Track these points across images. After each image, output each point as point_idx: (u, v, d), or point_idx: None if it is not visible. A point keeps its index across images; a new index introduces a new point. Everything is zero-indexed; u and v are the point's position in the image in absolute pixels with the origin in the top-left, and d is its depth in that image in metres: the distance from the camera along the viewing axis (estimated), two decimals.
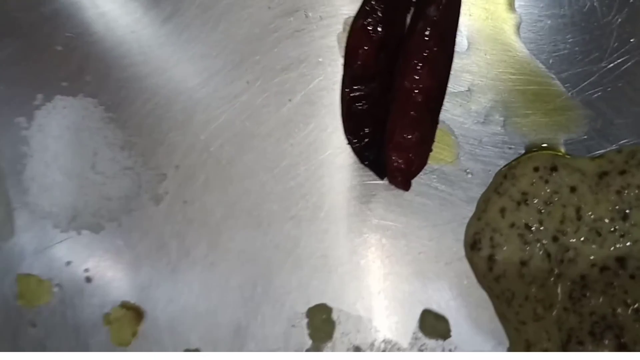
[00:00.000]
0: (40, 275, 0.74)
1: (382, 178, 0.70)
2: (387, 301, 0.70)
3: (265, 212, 0.71)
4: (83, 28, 0.73)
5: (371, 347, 0.70)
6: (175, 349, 0.72)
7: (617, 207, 0.64)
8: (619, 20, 0.66)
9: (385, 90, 0.68)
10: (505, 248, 0.65)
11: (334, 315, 0.70)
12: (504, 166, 0.68)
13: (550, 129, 0.68)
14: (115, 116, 0.73)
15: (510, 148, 0.68)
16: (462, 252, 0.68)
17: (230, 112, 0.72)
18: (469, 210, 0.68)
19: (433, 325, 0.69)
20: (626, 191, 0.64)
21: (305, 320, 0.71)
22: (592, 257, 0.64)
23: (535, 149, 0.68)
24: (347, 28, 0.70)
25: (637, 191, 0.64)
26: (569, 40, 0.67)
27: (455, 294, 0.69)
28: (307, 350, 0.70)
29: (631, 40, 0.66)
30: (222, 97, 0.72)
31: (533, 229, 0.65)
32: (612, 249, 0.64)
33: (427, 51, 0.66)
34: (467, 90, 0.69)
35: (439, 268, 0.69)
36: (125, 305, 0.73)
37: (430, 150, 0.68)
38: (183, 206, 0.72)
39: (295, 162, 0.71)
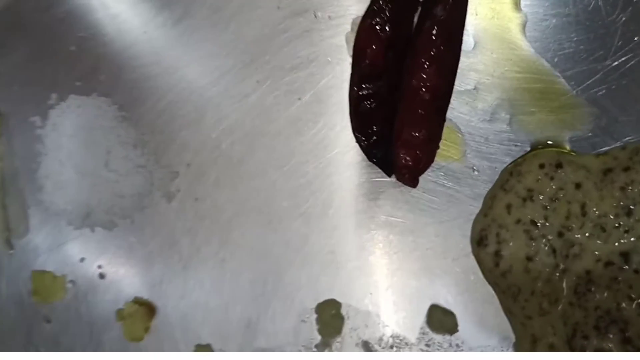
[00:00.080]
0: (55, 271, 0.74)
1: (389, 175, 0.70)
2: (395, 296, 0.70)
3: (275, 210, 0.72)
4: (96, 29, 0.74)
5: (379, 342, 0.70)
6: (186, 343, 0.72)
7: (621, 203, 0.64)
8: (623, 19, 0.67)
9: (393, 88, 0.69)
10: (511, 244, 0.66)
11: (343, 311, 0.70)
12: (510, 163, 0.68)
13: (555, 126, 0.68)
14: (128, 115, 0.73)
15: (516, 145, 0.68)
16: (469, 248, 0.68)
17: (240, 111, 0.72)
18: (476, 207, 0.69)
19: (440, 320, 0.69)
20: (630, 187, 0.64)
21: (315, 316, 0.71)
22: (596, 253, 0.64)
23: (540, 146, 0.68)
24: (356, 28, 0.70)
25: None
26: (574, 39, 0.68)
27: (462, 290, 0.69)
28: (316, 346, 0.71)
29: (635, 38, 0.67)
30: (232, 96, 0.73)
31: (539, 225, 0.65)
32: (616, 244, 0.64)
33: (434, 50, 0.66)
34: (473, 89, 0.69)
35: (446, 264, 0.69)
36: (138, 301, 0.73)
37: (438, 147, 0.69)
38: (194, 204, 0.73)
39: (304, 160, 0.71)
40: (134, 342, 0.73)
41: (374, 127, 0.69)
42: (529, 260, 0.65)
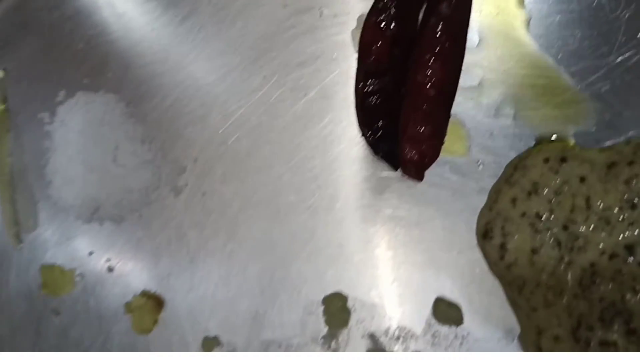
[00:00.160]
0: (64, 265, 0.75)
1: (395, 169, 0.70)
2: (401, 289, 0.70)
3: (282, 203, 0.72)
4: (103, 27, 0.75)
5: (386, 334, 0.70)
6: (194, 336, 0.72)
7: (625, 196, 0.64)
8: (627, 15, 0.67)
9: (399, 84, 0.69)
10: (516, 237, 0.66)
11: (350, 303, 0.70)
12: (515, 158, 0.68)
13: (559, 121, 0.68)
14: (135, 111, 0.74)
15: (520, 140, 0.68)
16: (474, 241, 0.68)
17: (247, 107, 0.73)
18: (481, 201, 0.68)
19: (446, 313, 0.69)
20: (634, 181, 0.64)
21: (322, 308, 0.71)
22: (601, 245, 0.64)
23: (545, 141, 0.68)
24: (361, 25, 0.71)
25: None
26: (578, 35, 0.68)
27: (468, 282, 0.68)
28: (323, 338, 0.71)
29: (638, 34, 0.67)
30: (239, 93, 0.73)
31: (543, 218, 0.65)
32: (620, 237, 0.63)
33: (439, 46, 0.67)
34: (478, 85, 0.70)
35: (452, 257, 0.69)
36: (146, 294, 0.73)
37: (443, 142, 0.69)
38: (202, 198, 0.73)
39: (311, 154, 0.72)
40: (142, 334, 0.73)
41: (380, 122, 0.70)
42: (534, 253, 0.65)
